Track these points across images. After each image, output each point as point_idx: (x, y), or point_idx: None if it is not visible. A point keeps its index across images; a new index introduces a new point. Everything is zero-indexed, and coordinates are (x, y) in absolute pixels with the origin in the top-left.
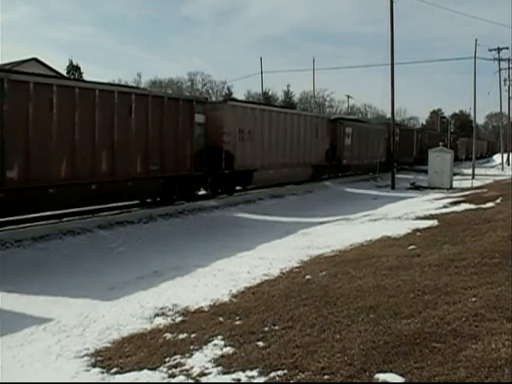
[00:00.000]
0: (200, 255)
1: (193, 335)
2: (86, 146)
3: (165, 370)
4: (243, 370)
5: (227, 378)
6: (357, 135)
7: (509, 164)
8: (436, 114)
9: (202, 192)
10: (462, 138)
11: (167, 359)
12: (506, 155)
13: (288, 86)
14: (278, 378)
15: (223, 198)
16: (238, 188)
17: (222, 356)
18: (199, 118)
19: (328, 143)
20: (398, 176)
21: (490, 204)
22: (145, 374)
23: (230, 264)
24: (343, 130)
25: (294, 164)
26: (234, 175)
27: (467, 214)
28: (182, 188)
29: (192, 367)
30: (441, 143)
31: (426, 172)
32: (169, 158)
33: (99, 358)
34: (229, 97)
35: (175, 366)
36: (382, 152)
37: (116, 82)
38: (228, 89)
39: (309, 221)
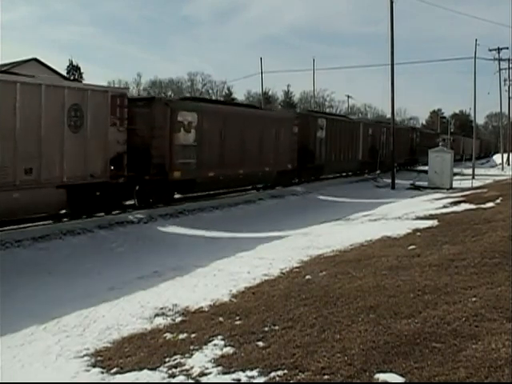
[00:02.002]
0: (200, 255)
1: (193, 335)
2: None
3: (165, 370)
4: (243, 370)
5: (227, 378)
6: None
7: (509, 164)
8: (436, 114)
9: None
10: (455, 136)
11: (167, 359)
12: (506, 155)
13: (288, 86)
14: (277, 378)
15: None
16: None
17: (222, 356)
18: None
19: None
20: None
21: (490, 204)
22: (145, 374)
23: (230, 264)
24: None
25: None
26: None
27: (467, 214)
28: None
29: (192, 367)
30: (441, 143)
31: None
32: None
33: (99, 358)
34: (229, 97)
35: (175, 366)
36: (360, 152)
37: (116, 82)
38: (228, 89)
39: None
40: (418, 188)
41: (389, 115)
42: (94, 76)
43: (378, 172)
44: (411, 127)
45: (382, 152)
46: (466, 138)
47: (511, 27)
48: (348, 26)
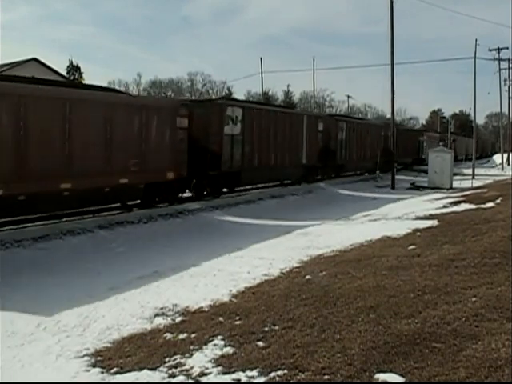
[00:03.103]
0: (200, 255)
1: (193, 335)
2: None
3: (165, 370)
4: (243, 370)
5: (227, 378)
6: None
7: (509, 164)
8: (436, 114)
9: None
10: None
11: (167, 359)
12: (506, 155)
13: (288, 86)
14: (278, 378)
15: None
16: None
17: (222, 356)
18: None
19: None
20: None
21: (490, 204)
22: (145, 374)
23: (230, 264)
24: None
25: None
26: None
27: (467, 214)
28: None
29: (192, 367)
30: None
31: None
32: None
33: (99, 358)
34: (229, 97)
35: (175, 366)
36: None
37: (116, 82)
38: (228, 89)
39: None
40: (418, 188)
41: (389, 115)
42: (94, 76)
43: (377, 172)
44: (385, 123)
45: (340, 153)
46: (460, 137)
47: (511, 27)
48: (348, 26)
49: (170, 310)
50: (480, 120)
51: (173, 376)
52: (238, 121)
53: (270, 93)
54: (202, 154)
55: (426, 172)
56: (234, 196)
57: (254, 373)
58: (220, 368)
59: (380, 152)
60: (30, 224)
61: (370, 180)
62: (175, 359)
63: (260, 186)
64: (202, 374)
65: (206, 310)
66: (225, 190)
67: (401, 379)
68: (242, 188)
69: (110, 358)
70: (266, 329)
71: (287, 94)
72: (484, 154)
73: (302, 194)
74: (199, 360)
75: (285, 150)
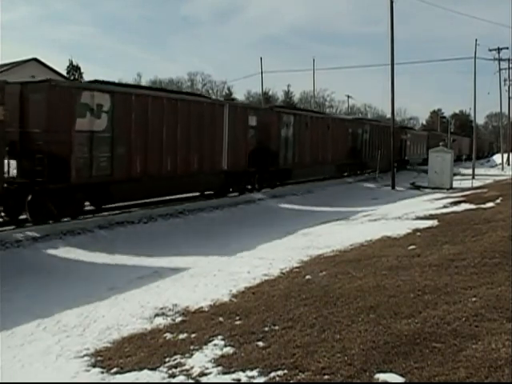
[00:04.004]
0: (200, 255)
1: (193, 335)
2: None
3: (165, 370)
4: (243, 370)
5: (227, 378)
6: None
7: (509, 164)
8: (436, 114)
9: None
10: (432, 133)
11: (167, 359)
12: (506, 155)
13: (288, 86)
14: (278, 378)
15: None
16: None
17: (222, 356)
18: None
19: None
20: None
21: (490, 204)
22: (145, 374)
23: (230, 264)
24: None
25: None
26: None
27: (467, 214)
28: None
29: (192, 367)
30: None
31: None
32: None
33: (99, 358)
34: (229, 97)
35: (175, 366)
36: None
37: (116, 82)
38: (228, 89)
39: None
40: (418, 188)
41: (389, 115)
42: (94, 76)
43: (377, 172)
44: (356, 118)
45: (284, 155)
46: (456, 136)
47: (511, 27)
48: (348, 26)
49: (170, 309)
50: (480, 120)
51: (173, 376)
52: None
53: (270, 93)
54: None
55: (425, 172)
56: None
57: (254, 373)
58: (220, 368)
59: (346, 153)
60: (30, 224)
61: (370, 180)
62: (175, 359)
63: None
64: (202, 374)
65: (206, 309)
66: None
67: (401, 379)
68: None
69: (110, 357)
70: (266, 329)
71: (287, 93)
72: (481, 154)
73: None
74: (199, 360)
75: (190, 151)
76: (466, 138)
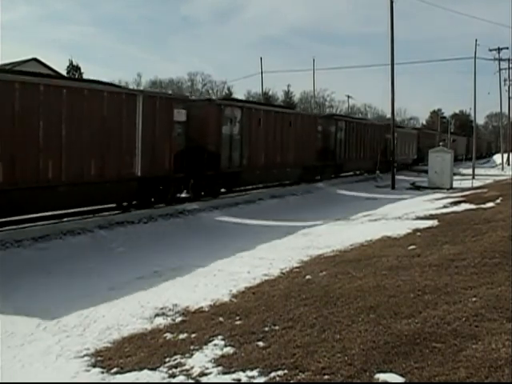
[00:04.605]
0: (200, 255)
1: (193, 335)
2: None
3: (165, 370)
4: (243, 370)
5: (227, 378)
6: None
7: (509, 164)
8: (436, 114)
9: None
10: (424, 131)
11: (167, 359)
12: (506, 155)
13: (288, 86)
14: (278, 378)
15: None
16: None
17: (223, 356)
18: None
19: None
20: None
21: (490, 204)
22: (145, 374)
23: (230, 264)
24: None
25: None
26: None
27: (467, 214)
28: None
29: (192, 367)
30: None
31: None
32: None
33: (99, 358)
34: (229, 97)
35: (175, 366)
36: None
37: (116, 81)
38: (228, 89)
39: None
40: (418, 188)
41: (389, 115)
42: (94, 76)
43: (377, 172)
44: (328, 115)
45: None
46: (454, 135)
47: (511, 27)
48: (348, 26)
49: (170, 310)
50: (480, 120)
51: (173, 376)
52: None
53: (270, 93)
54: None
55: (426, 172)
56: None
57: (254, 373)
58: (220, 368)
59: (315, 154)
60: (29, 224)
61: (370, 180)
62: (175, 359)
63: None
64: (202, 374)
65: (206, 309)
66: None
67: (401, 379)
68: None
69: (110, 357)
70: (266, 329)
71: (287, 93)
72: (479, 155)
73: None
74: (199, 360)
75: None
76: (462, 137)
